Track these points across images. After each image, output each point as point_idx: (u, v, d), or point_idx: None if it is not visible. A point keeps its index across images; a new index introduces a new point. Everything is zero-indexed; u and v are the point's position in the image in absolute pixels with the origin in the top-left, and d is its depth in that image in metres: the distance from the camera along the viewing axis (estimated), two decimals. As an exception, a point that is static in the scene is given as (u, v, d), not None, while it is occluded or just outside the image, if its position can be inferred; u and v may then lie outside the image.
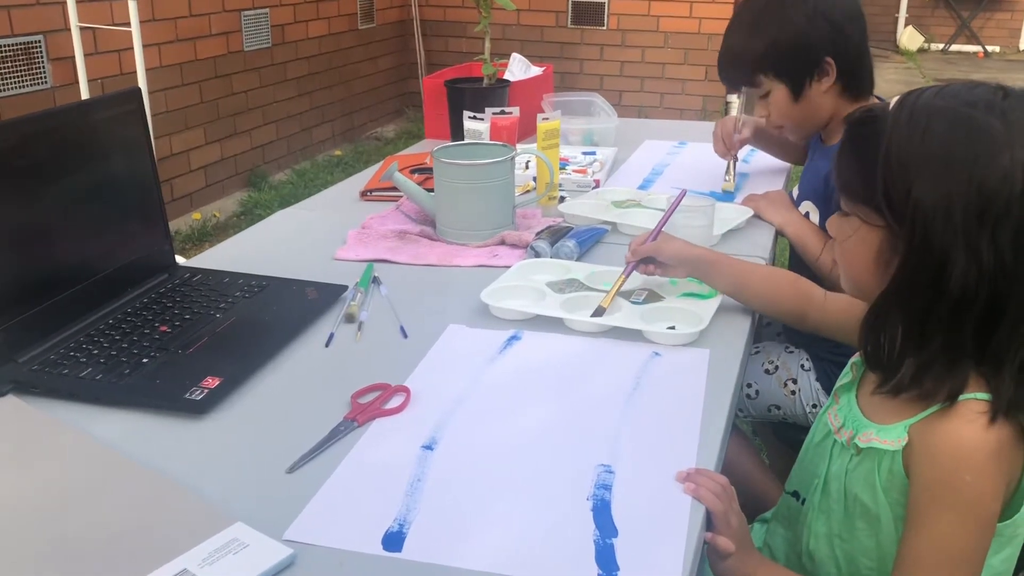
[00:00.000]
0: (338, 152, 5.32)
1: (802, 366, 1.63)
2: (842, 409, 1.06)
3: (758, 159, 2.15)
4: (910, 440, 0.93)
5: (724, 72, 1.73)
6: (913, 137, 0.88)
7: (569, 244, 1.54)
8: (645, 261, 1.34)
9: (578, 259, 1.54)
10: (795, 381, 1.62)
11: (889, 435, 0.96)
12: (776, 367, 1.64)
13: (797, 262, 1.74)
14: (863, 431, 1.00)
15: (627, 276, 1.34)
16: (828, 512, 1.04)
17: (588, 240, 1.59)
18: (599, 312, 1.29)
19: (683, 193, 1.42)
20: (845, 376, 1.10)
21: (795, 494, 1.16)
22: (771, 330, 1.85)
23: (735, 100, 2.05)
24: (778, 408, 1.66)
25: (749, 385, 1.61)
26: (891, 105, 0.93)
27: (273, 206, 4.18)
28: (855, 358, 1.08)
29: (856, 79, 1.62)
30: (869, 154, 0.91)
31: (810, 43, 1.57)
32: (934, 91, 0.92)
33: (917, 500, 0.93)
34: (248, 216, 4.24)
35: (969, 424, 0.89)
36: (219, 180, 4.43)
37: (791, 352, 1.67)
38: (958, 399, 0.90)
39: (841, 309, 1.21)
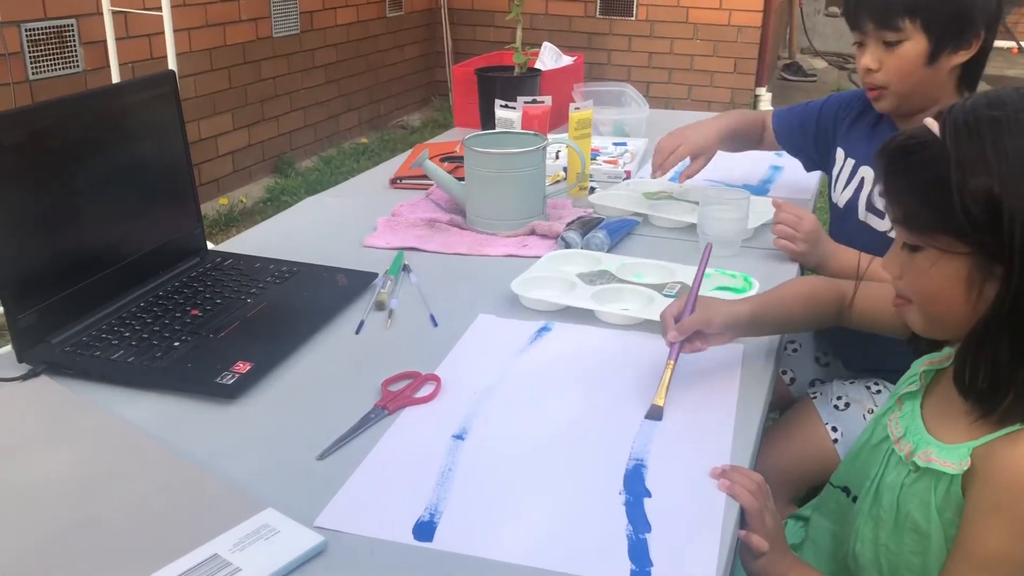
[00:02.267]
0: (364, 140, 5.33)
1: (868, 387, 1.54)
2: (904, 418, 1.02)
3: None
4: (972, 464, 0.90)
5: (866, 3, 1.47)
6: (985, 154, 0.83)
7: (600, 235, 1.53)
8: (690, 338, 1.13)
9: (609, 251, 1.52)
10: (872, 411, 1.53)
11: (951, 457, 0.92)
12: (848, 404, 1.52)
13: None
14: (924, 448, 0.96)
15: (675, 361, 1.11)
16: (877, 519, 1.01)
17: (619, 231, 1.58)
18: (655, 413, 1.07)
19: (709, 247, 1.25)
20: (911, 383, 1.04)
21: (845, 490, 1.13)
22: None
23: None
24: None
25: (835, 429, 1.49)
26: (932, 126, 0.88)
27: (299, 193, 4.19)
28: (925, 366, 1.03)
29: (976, 70, 1.49)
30: (933, 181, 0.86)
31: (974, 10, 1.42)
32: (981, 103, 0.87)
33: (971, 523, 0.89)
34: (275, 203, 4.26)
35: None
36: (246, 166, 4.45)
37: (852, 383, 1.56)
38: None
39: (874, 299, 1.17)
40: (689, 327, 1.11)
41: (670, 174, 1.77)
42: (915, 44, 1.43)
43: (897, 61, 1.45)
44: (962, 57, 1.44)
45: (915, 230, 0.90)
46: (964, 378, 0.91)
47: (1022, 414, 0.87)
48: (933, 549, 0.95)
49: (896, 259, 0.94)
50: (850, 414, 1.50)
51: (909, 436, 0.99)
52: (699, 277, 1.17)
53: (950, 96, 1.47)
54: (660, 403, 1.07)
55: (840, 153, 1.64)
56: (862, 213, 1.56)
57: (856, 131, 1.63)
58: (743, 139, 1.83)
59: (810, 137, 1.73)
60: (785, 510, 1.41)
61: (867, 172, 1.57)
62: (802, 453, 1.50)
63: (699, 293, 1.15)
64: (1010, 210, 0.82)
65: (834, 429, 1.50)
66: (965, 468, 0.90)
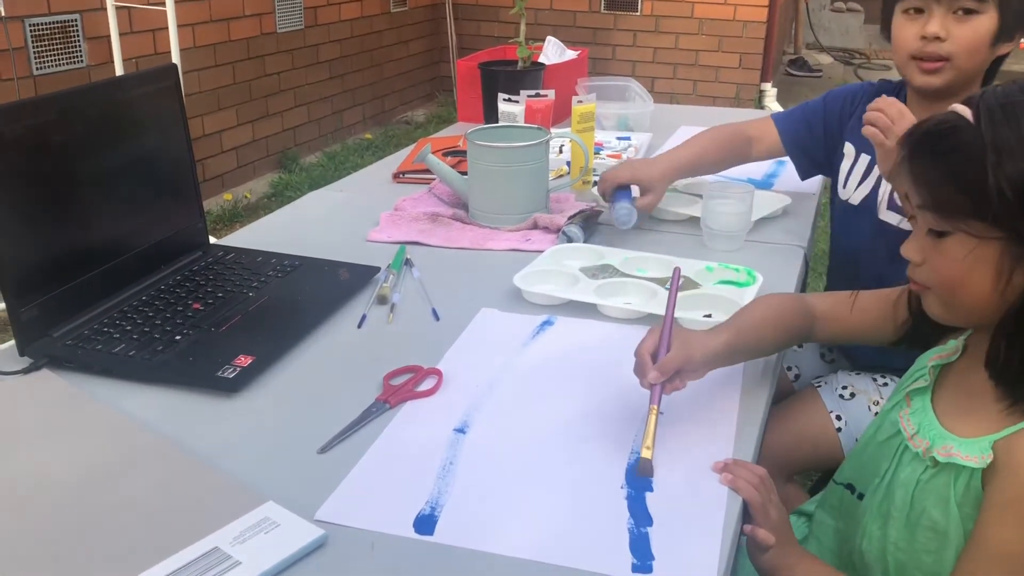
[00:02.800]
0: (368, 135, 5.32)
1: (874, 379, 1.53)
2: (915, 414, 1.01)
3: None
4: (994, 457, 0.89)
5: None
6: (1018, 136, 0.83)
7: (574, 229, 1.53)
8: (670, 379, 1.02)
9: (585, 241, 1.52)
10: (878, 403, 1.52)
11: (971, 450, 0.91)
12: (853, 393, 1.51)
13: (851, 266, 1.63)
14: (942, 443, 0.95)
15: (659, 406, 0.99)
16: (887, 517, 1.00)
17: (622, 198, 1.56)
18: (646, 468, 0.94)
19: (678, 271, 1.16)
20: (919, 377, 1.03)
21: (850, 487, 1.12)
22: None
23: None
24: None
25: (839, 418, 1.49)
26: (964, 112, 0.87)
27: (304, 188, 4.19)
28: (933, 361, 1.03)
29: (997, 68, 1.46)
30: (965, 166, 0.85)
31: None
32: (1014, 89, 0.86)
33: (987, 517, 0.89)
34: (279, 198, 4.26)
35: None
36: (250, 161, 4.45)
37: (858, 375, 1.55)
38: None
39: (842, 312, 1.15)
40: (670, 367, 1.00)
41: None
42: (986, 20, 1.38)
43: (969, 32, 1.38)
44: (1007, 48, 1.41)
45: (945, 216, 0.88)
46: (997, 363, 0.89)
47: None
48: (951, 547, 0.93)
49: (918, 245, 0.93)
50: (855, 404, 1.49)
51: (924, 432, 0.98)
52: (671, 307, 1.07)
53: (976, 86, 1.44)
54: (649, 456, 0.94)
55: (849, 148, 1.60)
56: (883, 211, 1.52)
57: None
58: (717, 163, 1.71)
59: (819, 137, 1.67)
60: (782, 490, 1.40)
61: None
62: (802, 435, 1.49)
63: (672, 321, 1.05)
64: None
65: (838, 418, 1.48)
66: (988, 461, 0.89)
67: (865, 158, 1.57)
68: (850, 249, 1.63)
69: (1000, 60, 1.44)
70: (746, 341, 1.10)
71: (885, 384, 1.51)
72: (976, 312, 0.91)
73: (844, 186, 1.61)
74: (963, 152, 0.86)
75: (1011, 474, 0.87)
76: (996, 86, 0.88)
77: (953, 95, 1.39)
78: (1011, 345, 0.88)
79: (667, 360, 1.00)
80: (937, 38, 1.40)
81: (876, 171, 1.54)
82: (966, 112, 0.87)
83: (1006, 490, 0.87)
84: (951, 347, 1.02)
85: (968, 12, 1.38)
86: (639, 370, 1.01)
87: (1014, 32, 1.40)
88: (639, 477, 0.93)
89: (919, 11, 1.42)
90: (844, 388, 1.52)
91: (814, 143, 1.68)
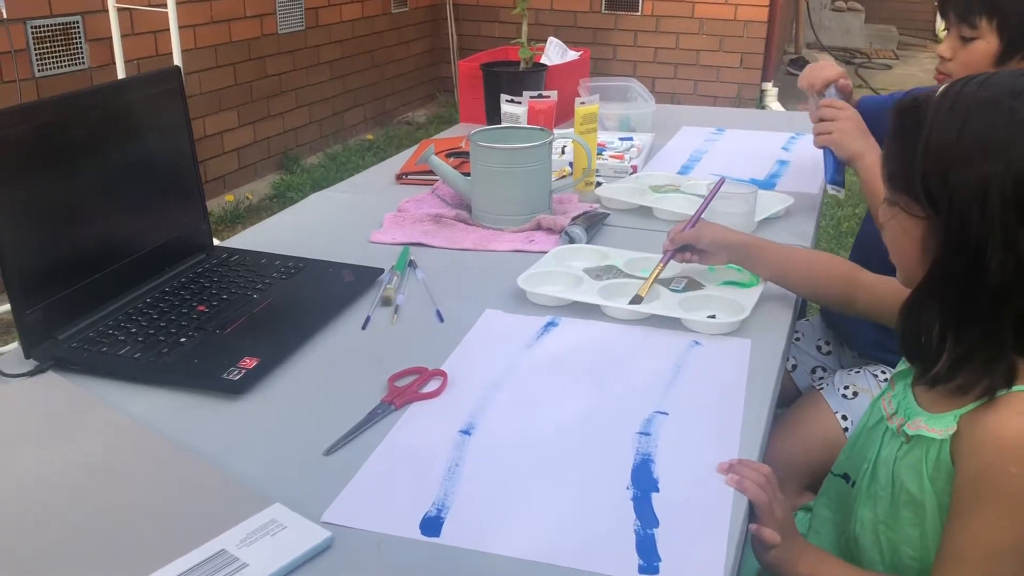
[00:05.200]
0: (370, 136, 5.33)
1: (875, 375, 1.55)
2: (896, 396, 1.05)
3: (799, 146, 2.12)
4: (959, 430, 0.91)
5: None
6: (952, 125, 0.87)
7: (577, 230, 1.53)
8: (683, 249, 1.32)
9: (588, 241, 1.54)
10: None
11: (938, 424, 0.94)
12: (856, 392, 1.53)
13: (863, 249, 1.68)
14: (913, 419, 0.98)
15: (665, 264, 1.31)
16: (875, 498, 1.03)
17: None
18: (637, 300, 1.27)
19: (722, 180, 1.39)
20: (903, 363, 1.08)
21: (845, 476, 1.14)
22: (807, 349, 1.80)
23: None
24: None
25: (845, 417, 1.50)
26: (937, 94, 0.91)
27: (305, 189, 4.19)
28: None
29: None
30: (912, 143, 0.90)
31: None
32: (979, 79, 0.90)
33: (961, 491, 0.91)
34: (280, 199, 4.26)
35: (1018, 416, 0.87)
36: (252, 162, 4.45)
37: (858, 372, 1.57)
38: (1010, 390, 0.88)
39: (891, 291, 1.18)
40: (681, 239, 1.31)
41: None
42: (987, 44, 1.47)
43: (968, 56, 1.49)
44: None
45: (891, 185, 0.96)
46: (902, 336, 0.97)
47: (984, 387, 0.89)
48: (929, 519, 0.96)
49: (883, 209, 0.99)
50: (859, 403, 1.51)
51: (901, 411, 1.02)
52: (706, 202, 1.38)
53: None
54: (643, 294, 1.27)
55: None
56: None
57: None
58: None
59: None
60: (796, 500, 1.41)
61: None
62: (811, 442, 1.50)
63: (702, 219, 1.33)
64: (953, 186, 0.86)
65: (844, 418, 1.50)
66: (951, 433, 0.92)
67: None
68: (868, 236, 1.66)
69: None
70: (767, 254, 1.29)
71: (886, 380, 1.51)
72: (913, 281, 0.96)
73: None
74: (914, 130, 0.90)
75: (973, 447, 0.90)
76: (978, 75, 0.91)
77: None
78: (910, 320, 0.95)
79: (680, 234, 1.31)
80: (943, 58, 1.53)
81: None
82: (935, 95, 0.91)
83: (970, 463, 0.90)
84: None
85: (968, 39, 1.48)
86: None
87: (1019, 51, 1.45)
88: (643, 482, 0.93)
89: (947, 30, 1.54)
90: (846, 388, 1.53)
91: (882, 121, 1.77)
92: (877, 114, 1.75)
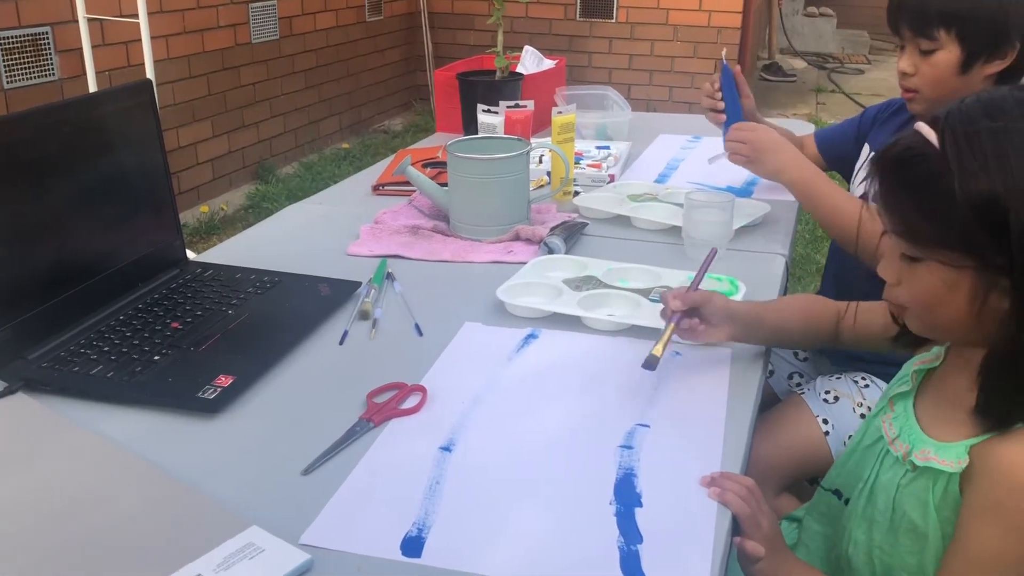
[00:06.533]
0: (345, 145, 5.30)
1: (856, 382, 1.54)
2: (898, 419, 1.02)
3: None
4: (970, 462, 0.89)
5: (903, 12, 1.50)
6: (989, 167, 0.82)
7: (556, 240, 1.53)
8: (689, 314, 1.16)
9: (567, 252, 1.52)
10: (861, 405, 1.52)
11: (948, 455, 0.91)
12: (837, 397, 1.53)
13: (838, 262, 1.69)
14: (921, 447, 0.95)
15: (677, 325, 1.14)
16: (871, 521, 1.01)
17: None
18: (652, 361, 1.11)
19: (714, 252, 1.27)
20: (903, 384, 1.04)
21: (837, 493, 1.12)
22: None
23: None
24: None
25: (826, 421, 1.50)
26: (930, 135, 0.86)
27: (281, 199, 4.16)
28: (917, 366, 1.03)
29: (1014, 78, 1.48)
30: (934, 195, 0.84)
31: (1008, 19, 1.43)
32: (978, 110, 0.85)
33: (968, 521, 0.89)
34: (256, 209, 4.22)
35: None
36: (226, 173, 4.41)
37: (839, 378, 1.56)
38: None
39: (871, 320, 1.16)
40: (690, 300, 1.15)
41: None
42: (948, 53, 1.46)
43: (931, 69, 1.48)
44: (997, 67, 1.46)
45: (916, 243, 0.88)
46: (985, 397, 0.88)
47: (1018, 414, 0.86)
48: (930, 549, 0.94)
49: (894, 267, 0.92)
50: (840, 407, 1.51)
51: (904, 436, 0.99)
52: (704, 269, 1.24)
53: None
54: (658, 354, 1.11)
55: (866, 148, 1.70)
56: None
57: (887, 127, 1.67)
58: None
59: (851, 138, 1.78)
60: (773, 502, 1.40)
61: None
62: (791, 444, 1.50)
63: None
64: (1017, 221, 0.80)
65: (825, 422, 1.50)
66: (964, 466, 0.89)
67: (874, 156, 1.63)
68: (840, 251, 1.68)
69: (1013, 73, 1.46)
70: (768, 319, 1.20)
71: (867, 386, 1.52)
72: (954, 332, 0.92)
73: (853, 182, 1.71)
74: (931, 181, 0.85)
75: (988, 478, 0.87)
76: (963, 103, 0.87)
77: None
78: (1000, 379, 0.87)
79: (690, 293, 1.15)
80: (905, 73, 1.52)
81: None
82: (932, 136, 0.86)
83: (983, 496, 0.88)
84: (934, 353, 1.02)
85: (928, 52, 1.48)
86: (664, 302, 1.15)
87: (982, 56, 1.45)
88: (626, 497, 0.92)
89: (901, 47, 1.53)
90: (827, 393, 1.53)
91: (845, 143, 1.81)
92: (837, 144, 1.83)
